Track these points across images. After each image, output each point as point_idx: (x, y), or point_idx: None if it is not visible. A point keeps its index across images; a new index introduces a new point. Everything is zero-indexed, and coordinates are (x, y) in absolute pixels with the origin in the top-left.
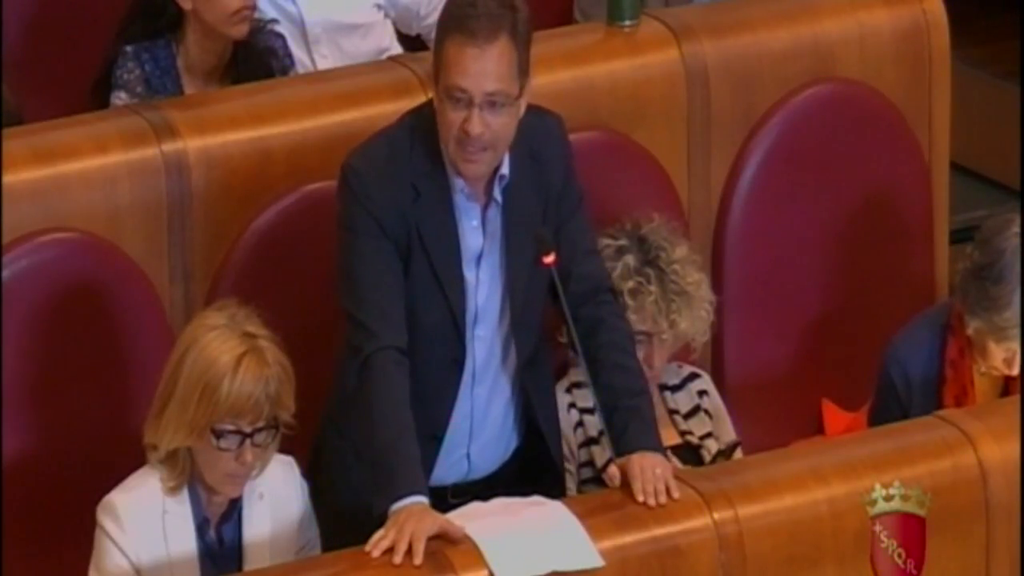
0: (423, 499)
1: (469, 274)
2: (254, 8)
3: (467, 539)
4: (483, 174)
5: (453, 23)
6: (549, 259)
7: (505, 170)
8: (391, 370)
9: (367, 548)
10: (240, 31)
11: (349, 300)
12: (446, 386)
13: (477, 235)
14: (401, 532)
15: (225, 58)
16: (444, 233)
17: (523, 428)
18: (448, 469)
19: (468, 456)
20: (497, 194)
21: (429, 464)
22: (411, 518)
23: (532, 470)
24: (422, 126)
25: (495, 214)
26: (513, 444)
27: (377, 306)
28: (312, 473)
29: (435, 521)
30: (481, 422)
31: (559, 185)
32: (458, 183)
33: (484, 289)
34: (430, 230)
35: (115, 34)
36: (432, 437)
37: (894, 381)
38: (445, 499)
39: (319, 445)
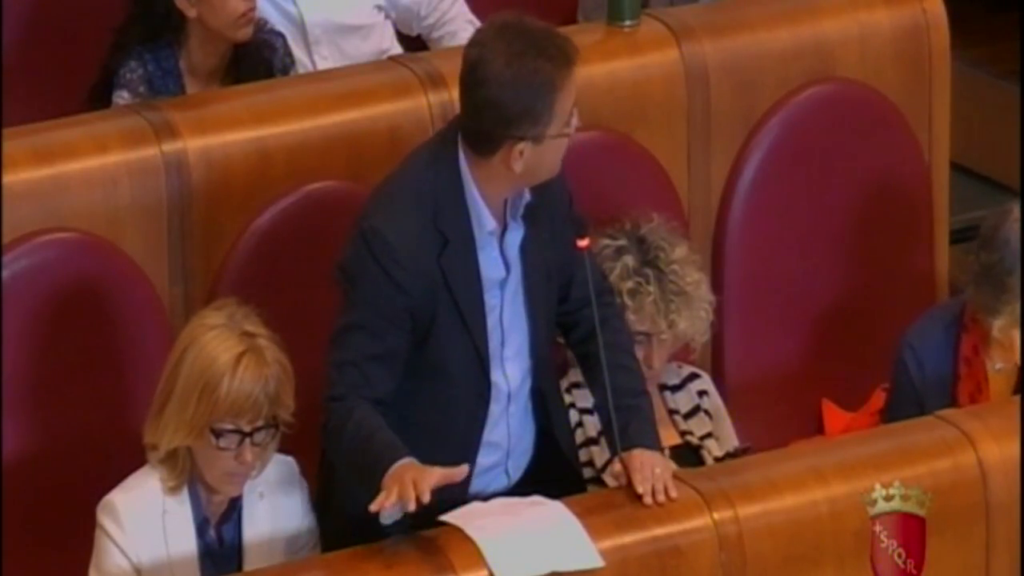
0: (411, 458)
1: (493, 300)
2: (255, 10)
3: (466, 535)
4: None
5: (553, 66)
6: (584, 242)
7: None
8: (355, 405)
9: (372, 508)
10: (245, 34)
11: (334, 354)
12: (474, 419)
13: (499, 264)
14: (403, 482)
15: (226, 59)
16: (468, 272)
17: (536, 432)
18: (487, 483)
19: (507, 471)
20: (518, 216)
21: (462, 496)
22: (407, 471)
23: (551, 471)
24: (441, 164)
25: (515, 238)
26: (532, 449)
27: (355, 376)
28: (322, 480)
29: (432, 472)
30: (518, 439)
31: (557, 191)
32: (483, 215)
33: (508, 311)
34: (455, 273)
35: (112, 42)
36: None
37: (911, 375)
38: None
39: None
